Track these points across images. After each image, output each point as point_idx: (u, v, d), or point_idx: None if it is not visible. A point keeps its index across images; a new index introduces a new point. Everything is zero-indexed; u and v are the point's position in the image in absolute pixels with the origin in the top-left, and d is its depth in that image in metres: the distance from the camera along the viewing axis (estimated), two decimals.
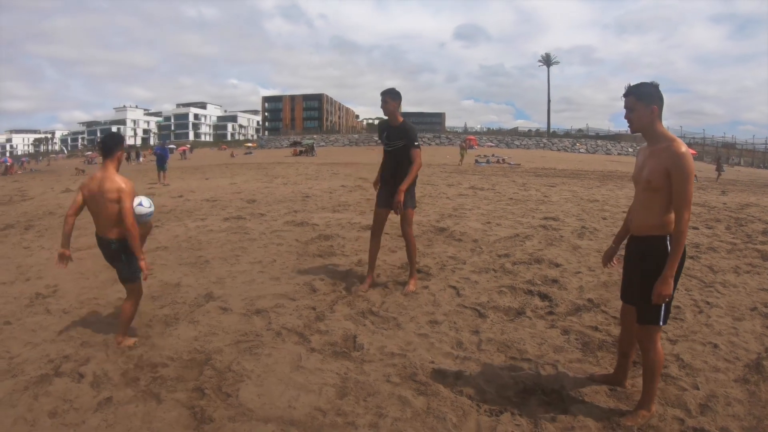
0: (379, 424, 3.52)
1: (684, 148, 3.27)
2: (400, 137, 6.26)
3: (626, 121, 3.53)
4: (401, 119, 6.34)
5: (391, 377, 4.17)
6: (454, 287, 6.49)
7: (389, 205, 6.40)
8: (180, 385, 4.07)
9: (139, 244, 4.70)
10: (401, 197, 6.13)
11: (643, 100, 3.39)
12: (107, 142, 4.79)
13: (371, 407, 3.73)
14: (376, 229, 6.64)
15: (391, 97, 6.26)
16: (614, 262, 4.10)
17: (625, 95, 3.47)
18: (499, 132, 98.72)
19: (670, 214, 3.33)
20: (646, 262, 3.46)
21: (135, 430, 3.48)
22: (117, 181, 4.64)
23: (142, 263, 4.67)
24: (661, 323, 3.44)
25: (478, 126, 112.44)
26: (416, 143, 6.26)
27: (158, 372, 4.28)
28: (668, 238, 3.36)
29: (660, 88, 3.43)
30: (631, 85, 3.47)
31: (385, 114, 6.34)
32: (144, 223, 5.12)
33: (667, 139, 3.37)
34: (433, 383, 4.06)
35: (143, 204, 5.07)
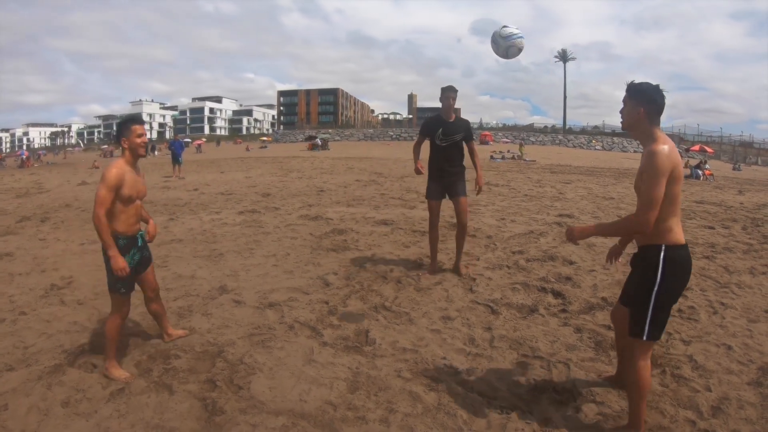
0: (389, 419, 3.52)
1: (659, 147, 3.06)
2: (459, 131, 6.71)
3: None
4: (454, 115, 6.72)
5: (403, 372, 4.18)
6: (467, 283, 6.48)
7: (443, 196, 6.88)
8: (192, 377, 4.10)
9: (109, 239, 4.02)
10: (483, 183, 6.85)
11: (633, 98, 3.24)
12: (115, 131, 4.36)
13: (382, 402, 3.74)
14: (436, 220, 6.95)
15: (455, 94, 6.63)
16: (619, 261, 3.94)
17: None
18: (515, 128, 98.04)
19: (663, 223, 3.12)
20: (636, 270, 3.39)
21: (147, 421, 3.50)
22: (105, 167, 4.15)
23: (114, 260, 4.02)
24: (644, 338, 3.22)
25: (494, 122, 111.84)
26: (473, 136, 6.98)
27: (171, 363, 4.31)
28: (663, 247, 3.16)
29: (662, 91, 3.22)
30: (632, 82, 3.32)
31: (447, 109, 6.67)
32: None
33: (651, 141, 3.16)
34: (444, 379, 4.06)
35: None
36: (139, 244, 4.38)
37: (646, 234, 3.17)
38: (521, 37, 4.88)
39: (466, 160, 6.81)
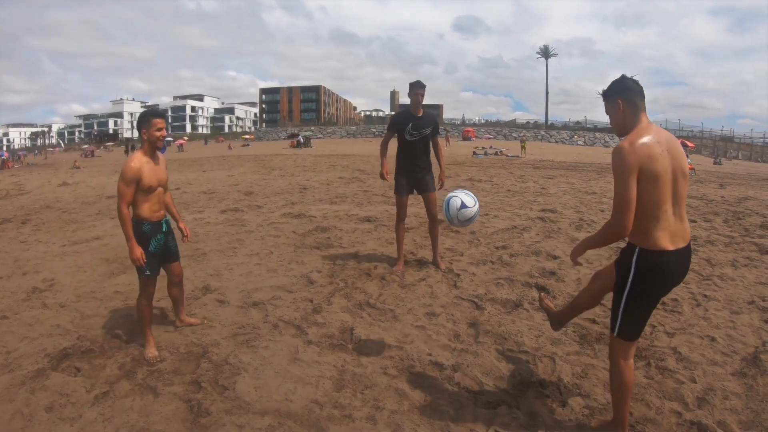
0: (376, 417, 3.52)
1: (623, 142, 2.89)
2: (427, 125, 6.81)
3: None
4: (422, 110, 6.82)
5: (388, 370, 4.18)
6: (451, 279, 6.48)
7: (412, 192, 7.02)
8: (177, 379, 4.07)
9: (129, 231, 4.30)
10: (445, 177, 7.08)
11: (608, 98, 3.09)
12: None
13: (368, 400, 3.74)
14: (403, 214, 7.07)
15: (424, 89, 6.66)
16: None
17: None
18: (497, 124, 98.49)
19: (638, 224, 2.92)
20: (618, 268, 3.18)
21: (132, 424, 3.47)
22: (125, 161, 4.40)
23: (131, 251, 4.31)
24: (615, 334, 3.14)
25: (477, 118, 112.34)
26: (440, 132, 7.13)
27: (155, 365, 4.28)
28: (637, 250, 3.00)
29: (631, 78, 3.07)
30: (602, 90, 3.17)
31: (416, 105, 6.73)
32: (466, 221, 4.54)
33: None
34: (430, 376, 4.07)
35: (466, 204, 4.39)
36: (164, 229, 4.64)
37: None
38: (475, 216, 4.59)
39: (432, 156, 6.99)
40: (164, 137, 4.49)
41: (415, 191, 6.98)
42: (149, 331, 4.56)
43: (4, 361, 4.38)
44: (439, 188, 7.05)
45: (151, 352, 4.45)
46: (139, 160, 4.34)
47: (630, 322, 3.11)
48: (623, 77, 3.09)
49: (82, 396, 3.82)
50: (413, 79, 6.57)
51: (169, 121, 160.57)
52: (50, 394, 3.84)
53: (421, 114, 6.77)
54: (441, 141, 7.08)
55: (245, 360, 4.32)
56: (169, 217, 4.82)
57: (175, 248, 4.88)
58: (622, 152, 2.85)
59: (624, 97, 3.04)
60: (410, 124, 6.73)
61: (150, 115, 4.42)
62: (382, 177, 7.09)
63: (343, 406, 3.65)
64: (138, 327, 4.71)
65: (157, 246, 4.54)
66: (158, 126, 4.40)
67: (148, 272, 4.47)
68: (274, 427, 3.41)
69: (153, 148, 4.44)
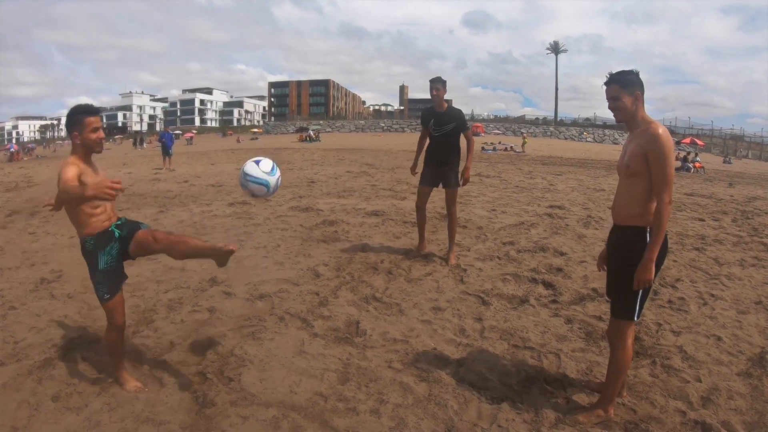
0: (380, 410, 3.52)
1: (661, 129, 3.11)
2: (450, 121, 6.84)
3: (611, 111, 3.33)
4: (446, 105, 6.89)
5: (393, 363, 4.18)
6: (458, 274, 6.48)
7: (435, 184, 7.12)
8: (182, 369, 4.08)
9: (81, 191, 3.09)
10: (468, 174, 7.03)
11: (627, 87, 3.23)
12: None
13: (373, 393, 3.74)
14: (422, 203, 7.25)
15: (442, 85, 6.75)
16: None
17: (606, 83, 3.31)
18: (506, 119, 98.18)
19: (652, 204, 3.17)
20: (624, 253, 3.31)
21: (137, 414, 3.49)
22: (60, 168, 3.41)
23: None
24: (635, 318, 3.33)
25: (486, 113, 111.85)
26: (468, 126, 7.08)
27: (161, 356, 4.30)
28: (648, 229, 3.20)
29: (641, 75, 3.28)
30: (613, 73, 3.31)
31: (435, 100, 6.83)
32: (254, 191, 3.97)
33: (646, 122, 3.21)
34: (435, 370, 4.06)
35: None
36: (117, 235, 3.69)
37: (631, 215, 3.25)
38: (263, 183, 4.21)
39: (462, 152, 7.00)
40: (102, 139, 3.63)
41: (441, 185, 7.08)
42: (122, 365, 3.89)
43: (12, 351, 4.41)
44: (462, 184, 7.09)
45: (133, 384, 3.84)
46: (77, 167, 3.46)
47: (645, 300, 3.32)
48: (638, 74, 3.28)
49: (89, 386, 3.85)
50: (422, 74, 6.62)
51: (178, 114, 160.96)
52: (57, 384, 3.86)
53: (444, 110, 6.84)
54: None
55: (251, 352, 4.33)
56: (121, 220, 3.82)
57: (135, 226, 3.82)
58: (667, 136, 3.12)
59: (642, 90, 3.25)
60: (432, 120, 6.88)
61: (82, 114, 3.53)
62: (411, 171, 7.47)
63: (348, 399, 3.66)
64: (111, 360, 3.94)
65: (108, 261, 3.64)
66: (93, 126, 3.54)
67: (107, 296, 3.64)
68: (278, 419, 3.42)
69: (89, 153, 3.63)
